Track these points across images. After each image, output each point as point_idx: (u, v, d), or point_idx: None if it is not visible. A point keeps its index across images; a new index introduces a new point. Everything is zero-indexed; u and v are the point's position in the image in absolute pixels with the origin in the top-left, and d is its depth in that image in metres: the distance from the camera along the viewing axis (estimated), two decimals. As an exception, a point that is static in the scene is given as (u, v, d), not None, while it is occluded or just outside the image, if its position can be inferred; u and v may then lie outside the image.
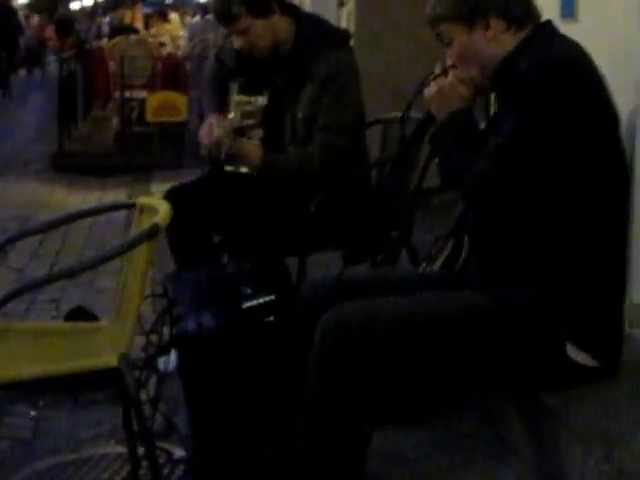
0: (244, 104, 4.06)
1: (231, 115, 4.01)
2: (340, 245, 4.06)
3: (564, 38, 2.79)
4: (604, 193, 2.63)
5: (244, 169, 4.01)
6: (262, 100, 4.02)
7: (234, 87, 4.11)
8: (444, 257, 3.17)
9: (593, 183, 2.60)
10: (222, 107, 4.11)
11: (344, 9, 8.94)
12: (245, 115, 4.01)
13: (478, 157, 2.61)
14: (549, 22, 2.85)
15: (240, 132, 3.92)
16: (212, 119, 3.99)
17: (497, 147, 2.59)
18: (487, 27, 2.75)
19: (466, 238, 2.96)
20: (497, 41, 2.76)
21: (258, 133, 4.01)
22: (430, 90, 2.82)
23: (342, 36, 4.19)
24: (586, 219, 2.62)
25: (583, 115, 2.59)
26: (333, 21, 8.71)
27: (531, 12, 2.81)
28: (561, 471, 2.61)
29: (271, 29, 3.96)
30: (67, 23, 25.89)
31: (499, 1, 2.75)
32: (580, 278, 2.62)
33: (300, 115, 3.93)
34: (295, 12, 4.11)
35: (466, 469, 2.96)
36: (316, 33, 4.01)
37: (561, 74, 2.58)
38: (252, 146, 3.95)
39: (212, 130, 3.92)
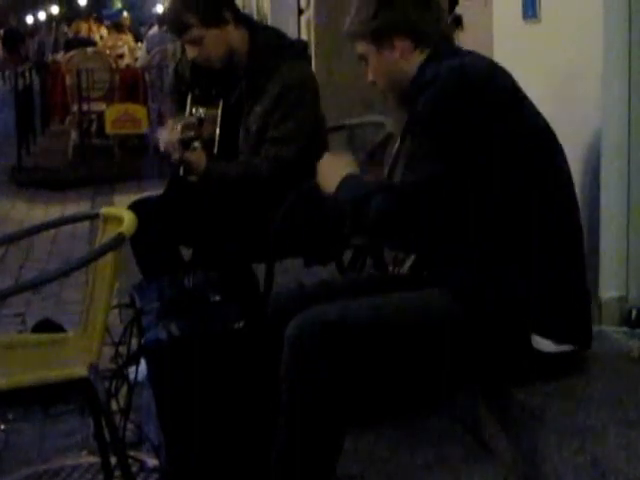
0: (187, 117, 4.09)
1: (178, 127, 4.02)
2: (305, 250, 4.08)
3: (462, 54, 2.83)
4: (536, 189, 2.66)
5: (192, 178, 4.02)
6: (202, 112, 4.04)
7: (189, 99, 4.13)
8: (412, 260, 3.20)
9: (522, 183, 2.64)
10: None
11: (303, 17, 8.97)
12: (185, 128, 4.02)
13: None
14: (448, 39, 2.91)
15: (186, 144, 3.94)
16: (169, 122, 4.03)
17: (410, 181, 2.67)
18: (394, 47, 2.82)
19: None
20: (406, 60, 2.82)
21: (198, 146, 4.01)
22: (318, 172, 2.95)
23: (298, 47, 4.19)
24: (524, 212, 2.65)
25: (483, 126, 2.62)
26: (293, 29, 8.77)
27: (437, 29, 2.85)
28: (535, 465, 2.64)
29: (225, 39, 3.95)
30: (15, 37, 25.66)
31: (403, 21, 2.81)
32: (535, 268, 2.65)
33: (254, 127, 3.95)
34: (249, 24, 4.10)
35: (441, 467, 2.98)
36: (271, 46, 4.01)
37: (447, 91, 2.65)
38: (196, 155, 3.96)
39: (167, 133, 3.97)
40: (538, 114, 2.76)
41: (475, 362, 2.67)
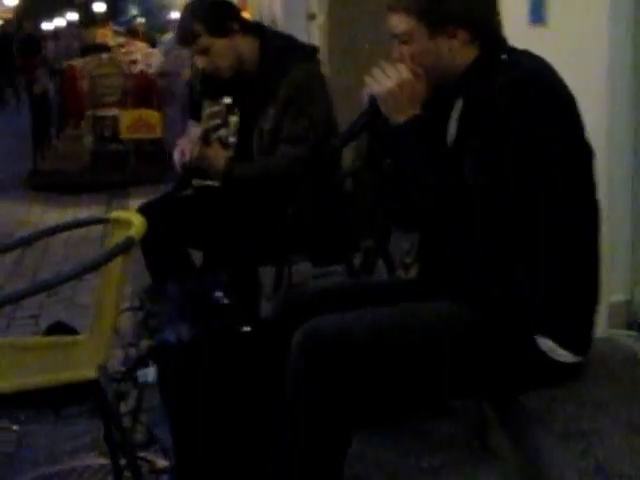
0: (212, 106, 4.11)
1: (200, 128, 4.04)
2: (314, 251, 4.08)
3: (528, 54, 2.72)
4: (572, 197, 2.59)
5: (211, 182, 4.03)
6: (227, 100, 4.06)
7: (204, 105, 4.15)
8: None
9: (563, 187, 2.55)
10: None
11: (314, 23, 8.97)
12: (210, 116, 4.04)
13: (442, 173, 2.54)
14: (502, 37, 2.76)
15: (205, 139, 3.94)
16: (182, 143, 4.05)
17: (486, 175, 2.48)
18: (452, 35, 2.63)
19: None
20: (460, 52, 2.65)
21: (224, 132, 4.03)
22: (383, 85, 2.65)
23: (307, 50, 4.22)
24: (555, 221, 2.57)
25: (561, 130, 2.53)
26: (303, 35, 8.76)
27: (494, 23, 2.73)
28: (539, 469, 2.62)
29: (232, 49, 4.01)
30: (32, 43, 25.70)
31: (470, 11, 2.63)
32: (550, 277, 2.59)
33: (267, 128, 3.98)
34: (259, 30, 4.15)
35: (446, 471, 2.96)
36: (281, 51, 4.05)
37: (539, 94, 2.51)
38: (216, 153, 3.98)
39: (184, 152, 3.98)
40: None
41: (481, 369, 2.62)
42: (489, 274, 2.63)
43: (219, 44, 3.98)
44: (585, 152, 2.64)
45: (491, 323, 2.59)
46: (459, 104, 2.72)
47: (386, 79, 2.65)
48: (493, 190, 2.47)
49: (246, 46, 4.04)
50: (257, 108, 4.02)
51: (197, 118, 4.18)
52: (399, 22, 2.66)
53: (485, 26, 2.68)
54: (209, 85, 4.17)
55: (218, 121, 4.02)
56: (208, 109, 4.10)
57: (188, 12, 4.08)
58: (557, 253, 2.59)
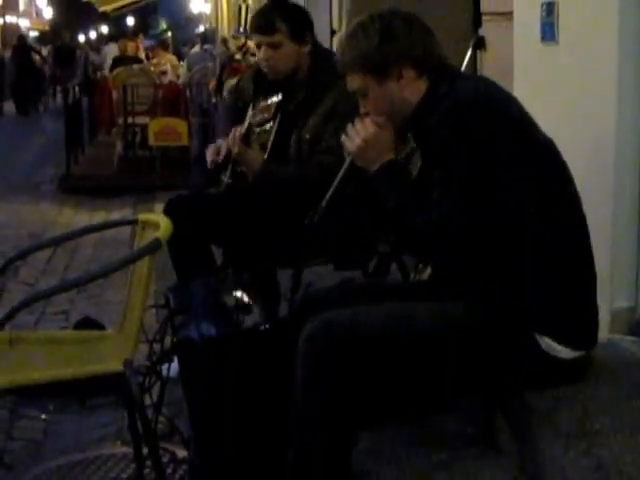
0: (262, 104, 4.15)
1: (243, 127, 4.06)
2: (334, 256, 4.08)
3: (467, 78, 2.76)
4: (549, 200, 2.58)
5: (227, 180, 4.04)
6: (277, 98, 4.08)
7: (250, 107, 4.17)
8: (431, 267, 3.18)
9: (539, 194, 2.56)
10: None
11: (336, 37, 8.96)
12: (260, 110, 4.09)
13: (421, 208, 2.56)
14: (449, 65, 2.79)
15: (246, 140, 3.95)
16: (220, 142, 4.08)
17: (447, 196, 2.52)
18: (399, 77, 2.68)
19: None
20: (410, 89, 2.69)
21: (271, 128, 4.06)
22: (353, 142, 2.75)
23: None
24: (541, 225, 2.57)
25: (507, 142, 2.53)
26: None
27: (437, 54, 2.74)
28: (542, 467, 2.61)
29: (297, 56, 4.03)
30: (66, 53, 25.84)
31: (408, 51, 2.67)
32: (546, 275, 2.57)
33: (307, 137, 3.99)
34: (314, 44, 4.16)
35: (453, 466, 2.94)
36: (329, 62, 4.05)
37: (471, 116, 2.53)
38: (255, 154, 4.00)
39: (218, 150, 4.00)
40: (541, 132, 2.68)
41: (484, 367, 2.61)
42: (484, 281, 2.63)
43: (290, 47, 4.00)
44: (542, 150, 2.63)
45: (492, 323, 2.58)
46: (411, 139, 2.80)
47: (355, 136, 2.75)
48: (463, 207, 2.50)
49: (305, 57, 4.06)
50: (299, 116, 4.04)
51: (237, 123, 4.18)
52: (352, 81, 2.77)
53: (428, 59, 2.71)
54: (261, 82, 4.18)
55: (267, 115, 4.05)
56: (260, 104, 4.11)
57: (276, 6, 4.10)
58: (545, 256, 2.58)
